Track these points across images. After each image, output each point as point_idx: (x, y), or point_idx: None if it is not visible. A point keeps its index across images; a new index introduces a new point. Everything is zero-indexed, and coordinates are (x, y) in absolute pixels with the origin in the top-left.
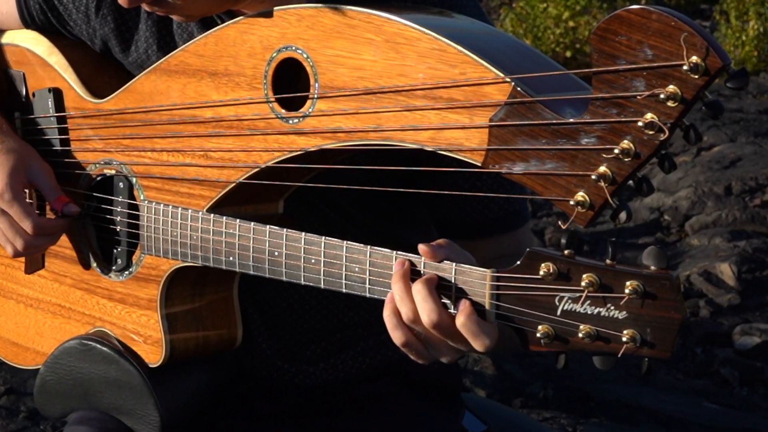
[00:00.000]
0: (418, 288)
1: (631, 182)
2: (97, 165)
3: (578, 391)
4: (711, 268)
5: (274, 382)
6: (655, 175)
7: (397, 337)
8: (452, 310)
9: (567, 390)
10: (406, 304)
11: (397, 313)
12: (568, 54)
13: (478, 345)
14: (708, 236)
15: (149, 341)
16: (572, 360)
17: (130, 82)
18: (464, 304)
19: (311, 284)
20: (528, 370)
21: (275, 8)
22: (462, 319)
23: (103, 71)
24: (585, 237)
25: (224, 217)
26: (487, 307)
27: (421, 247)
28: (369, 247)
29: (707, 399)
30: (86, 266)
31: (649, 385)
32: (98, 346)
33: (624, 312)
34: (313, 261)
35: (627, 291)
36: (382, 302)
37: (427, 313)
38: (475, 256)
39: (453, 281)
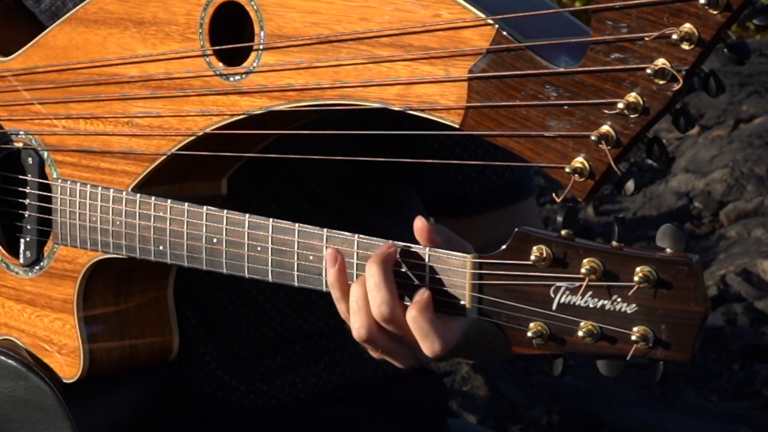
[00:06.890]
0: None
1: (640, 149)
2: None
3: (589, 415)
4: (751, 266)
5: (219, 403)
6: (683, 152)
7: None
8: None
9: (575, 414)
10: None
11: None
12: (578, 4)
13: (426, 347)
14: (747, 227)
15: (64, 351)
16: (581, 378)
17: (41, 35)
18: (421, 295)
19: (257, 277)
20: (528, 391)
21: None
22: (413, 312)
23: (10, 24)
24: (596, 228)
25: (153, 198)
26: (467, 300)
27: (419, 220)
28: (326, 230)
29: (746, 425)
30: None
31: (676, 409)
32: (3, 358)
33: (633, 305)
34: (259, 249)
35: (636, 279)
36: None
37: (377, 304)
38: (473, 241)
39: (426, 270)
